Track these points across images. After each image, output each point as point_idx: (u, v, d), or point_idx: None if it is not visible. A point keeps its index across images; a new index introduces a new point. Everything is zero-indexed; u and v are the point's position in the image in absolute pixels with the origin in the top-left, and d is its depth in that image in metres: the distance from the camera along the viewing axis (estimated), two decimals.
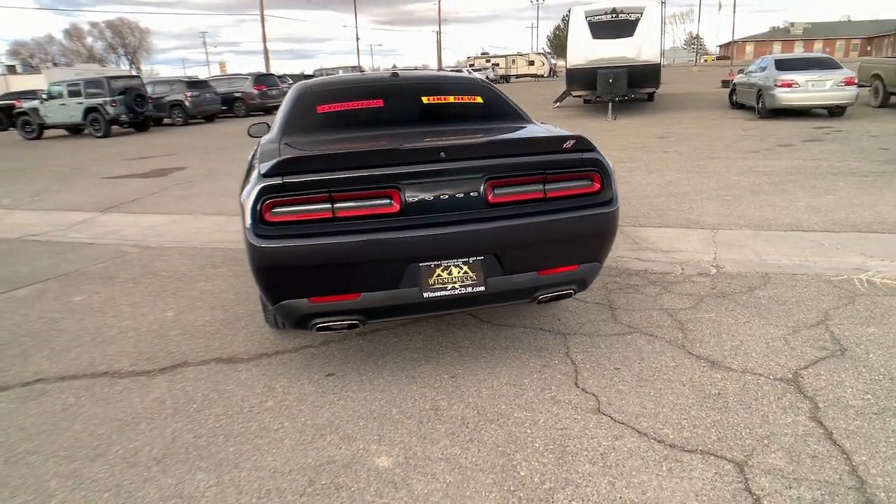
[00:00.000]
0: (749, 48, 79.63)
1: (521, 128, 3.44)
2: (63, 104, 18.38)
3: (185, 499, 2.14)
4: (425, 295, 2.61)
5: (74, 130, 19.30)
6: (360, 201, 2.51)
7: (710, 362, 2.94)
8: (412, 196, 2.54)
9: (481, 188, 2.61)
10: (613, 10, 16.20)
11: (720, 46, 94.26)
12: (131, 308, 4.06)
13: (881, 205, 5.74)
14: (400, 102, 3.61)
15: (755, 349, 3.05)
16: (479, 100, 3.71)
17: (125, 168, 11.09)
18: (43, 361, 3.31)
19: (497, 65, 57.89)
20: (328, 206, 2.47)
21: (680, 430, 2.40)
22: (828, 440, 2.29)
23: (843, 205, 5.81)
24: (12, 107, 22.09)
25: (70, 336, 3.64)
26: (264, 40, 40.76)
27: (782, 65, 13.45)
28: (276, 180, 2.41)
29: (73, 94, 18.22)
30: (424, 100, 3.60)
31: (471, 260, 2.64)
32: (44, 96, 18.96)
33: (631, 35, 16.05)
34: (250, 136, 4.67)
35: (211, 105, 21.89)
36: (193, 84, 22.24)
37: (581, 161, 2.73)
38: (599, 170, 2.76)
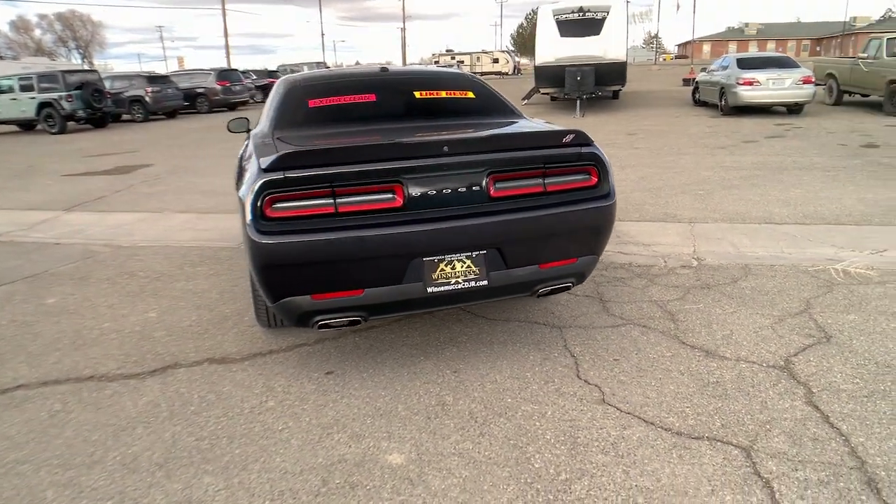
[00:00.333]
0: (706, 47, 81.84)
1: (515, 122, 3.45)
2: (14, 99, 17.58)
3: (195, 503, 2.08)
4: (429, 290, 2.59)
5: (27, 126, 18.47)
6: (362, 196, 2.48)
7: (705, 351, 3.01)
8: (415, 191, 2.51)
9: (483, 182, 2.60)
10: (580, 9, 16.39)
11: (678, 45, 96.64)
12: (110, 309, 3.91)
13: (846, 198, 5.98)
14: (392, 97, 3.57)
15: (745, 338, 3.14)
16: (470, 95, 3.70)
17: (85, 165, 10.66)
18: (21, 367, 3.16)
19: (462, 62, 57.88)
20: (331, 200, 2.43)
21: (685, 419, 2.45)
22: (825, 423, 2.37)
23: (810, 198, 6.04)
24: None
25: (47, 340, 3.48)
26: (226, 35, 39.88)
27: (744, 63, 13.88)
28: (278, 175, 2.36)
29: (24, 88, 17.44)
30: (417, 94, 3.57)
31: (474, 254, 2.63)
32: None
33: (598, 33, 16.27)
34: (230, 131, 4.58)
35: (172, 101, 21.23)
36: (154, 79, 21.54)
37: (579, 155, 2.76)
38: (597, 164, 2.80)
